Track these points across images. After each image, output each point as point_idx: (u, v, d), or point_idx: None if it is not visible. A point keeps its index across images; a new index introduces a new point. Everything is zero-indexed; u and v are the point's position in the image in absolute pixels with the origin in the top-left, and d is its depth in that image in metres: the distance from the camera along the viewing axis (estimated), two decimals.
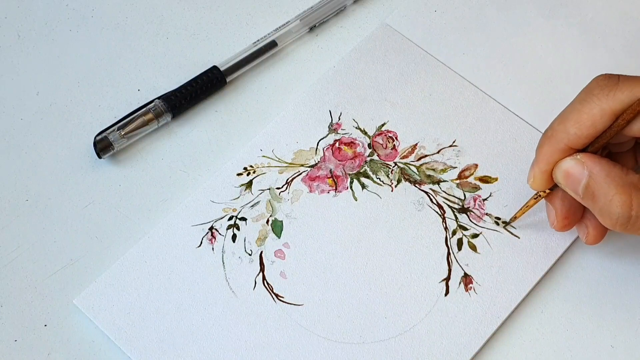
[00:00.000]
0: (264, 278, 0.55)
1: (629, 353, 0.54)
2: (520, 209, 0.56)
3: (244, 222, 0.57)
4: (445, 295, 0.55)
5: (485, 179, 0.58)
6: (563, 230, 0.55)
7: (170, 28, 0.65)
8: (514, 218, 0.56)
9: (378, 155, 0.59)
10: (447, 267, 0.55)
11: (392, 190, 0.58)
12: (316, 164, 0.59)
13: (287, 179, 0.58)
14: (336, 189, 0.58)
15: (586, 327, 0.54)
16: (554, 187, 0.53)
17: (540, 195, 0.54)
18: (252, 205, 0.57)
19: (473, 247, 0.56)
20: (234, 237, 0.56)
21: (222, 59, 0.62)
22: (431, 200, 0.58)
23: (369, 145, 0.60)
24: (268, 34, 0.63)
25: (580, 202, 0.51)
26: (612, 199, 0.49)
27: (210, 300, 0.54)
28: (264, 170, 0.59)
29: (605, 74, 0.51)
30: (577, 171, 0.50)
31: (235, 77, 0.62)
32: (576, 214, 0.54)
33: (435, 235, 0.56)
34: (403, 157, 0.59)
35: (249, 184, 0.58)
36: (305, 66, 0.63)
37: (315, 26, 0.65)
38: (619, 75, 0.50)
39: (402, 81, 0.62)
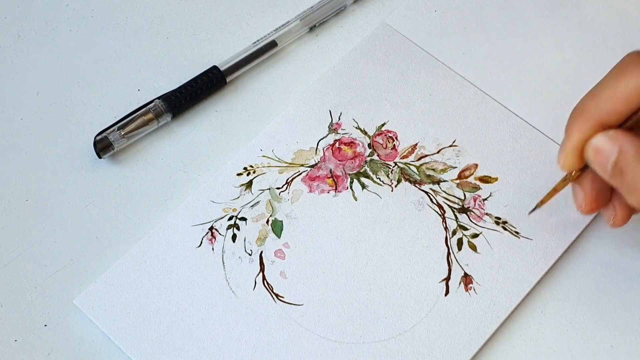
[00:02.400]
0: (264, 278, 0.55)
1: (629, 353, 0.54)
2: (548, 194, 0.54)
3: (244, 222, 0.57)
4: (445, 295, 0.55)
5: (485, 179, 0.58)
6: (590, 214, 0.54)
7: (170, 28, 0.65)
8: (541, 203, 0.55)
9: (378, 155, 0.59)
10: (447, 267, 0.55)
11: (392, 190, 0.58)
12: (316, 164, 0.59)
13: (287, 179, 0.58)
14: (336, 189, 0.58)
15: (586, 327, 0.54)
16: (583, 168, 0.51)
17: (569, 178, 0.53)
18: (252, 205, 0.57)
19: (473, 247, 0.56)
20: (234, 237, 0.56)
21: (222, 59, 0.62)
22: (431, 200, 0.58)
23: (369, 145, 0.60)
24: (268, 34, 0.63)
25: (608, 181, 0.50)
26: None
27: (210, 300, 0.54)
28: (264, 170, 0.59)
29: (639, 50, 0.49)
30: (608, 147, 0.49)
31: (235, 77, 0.62)
32: (605, 196, 0.53)
33: (435, 235, 0.56)
34: (403, 157, 0.59)
35: (249, 184, 0.58)
36: (305, 66, 0.63)
37: (315, 26, 0.65)
38: None
39: (402, 81, 0.62)
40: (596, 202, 0.52)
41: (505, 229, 0.57)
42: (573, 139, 0.50)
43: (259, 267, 0.55)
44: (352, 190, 0.58)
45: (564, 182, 0.53)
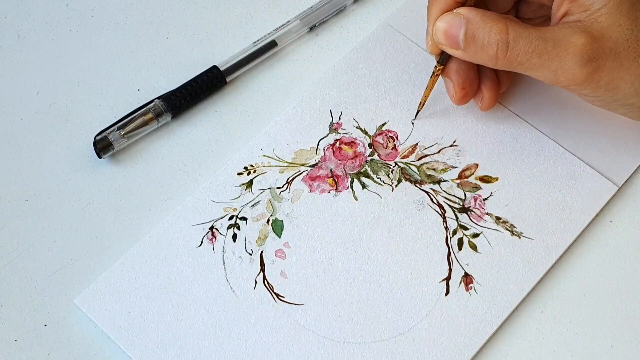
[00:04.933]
0: (264, 278, 0.55)
1: (629, 353, 0.54)
2: (424, 94, 0.59)
3: (244, 221, 0.57)
4: (446, 294, 0.55)
5: (485, 179, 0.58)
6: (462, 103, 0.58)
7: (170, 28, 0.65)
8: (421, 106, 0.59)
9: (379, 155, 0.59)
10: (447, 267, 0.55)
11: (392, 190, 0.58)
12: (317, 164, 0.59)
13: (288, 179, 0.58)
14: (337, 188, 0.58)
15: (586, 327, 0.54)
16: (445, 60, 0.56)
17: (436, 74, 0.57)
18: (253, 205, 0.57)
19: (473, 247, 0.56)
20: (234, 237, 0.56)
21: (222, 59, 0.62)
22: (432, 200, 0.58)
23: (370, 145, 0.60)
24: (268, 34, 0.63)
25: (464, 56, 0.54)
26: (491, 30, 0.52)
27: (211, 299, 0.54)
28: (264, 170, 0.59)
29: None
30: (455, 22, 0.53)
31: (235, 77, 0.62)
32: (472, 84, 0.57)
33: (435, 234, 0.56)
34: (403, 157, 0.59)
35: (249, 184, 0.58)
36: (305, 66, 0.63)
37: (315, 26, 0.65)
38: None
39: (402, 81, 0.62)
40: (465, 90, 0.57)
41: (505, 228, 0.57)
42: (432, 21, 0.54)
43: (260, 267, 0.55)
44: (352, 190, 0.58)
45: (433, 78, 0.57)
